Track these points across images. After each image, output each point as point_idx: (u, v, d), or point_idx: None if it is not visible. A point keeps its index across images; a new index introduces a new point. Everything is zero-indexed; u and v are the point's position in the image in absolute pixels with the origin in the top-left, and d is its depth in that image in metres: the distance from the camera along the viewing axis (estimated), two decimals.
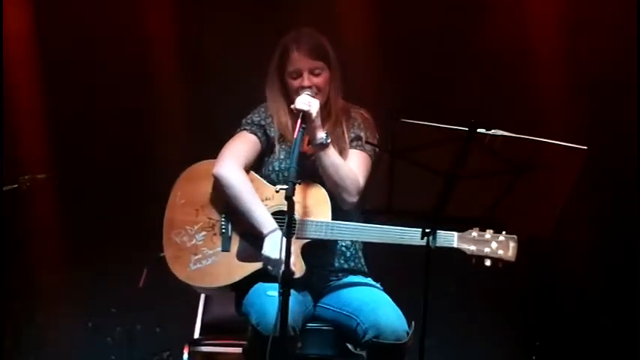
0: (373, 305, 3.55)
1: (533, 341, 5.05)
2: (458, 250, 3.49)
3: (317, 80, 3.72)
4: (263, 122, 3.81)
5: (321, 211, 3.62)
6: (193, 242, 3.71)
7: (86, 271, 5.07)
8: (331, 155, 3.64)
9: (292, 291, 3.32)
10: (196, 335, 4.04)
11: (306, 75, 3.71)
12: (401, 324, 3.48)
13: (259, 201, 3.69)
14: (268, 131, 3.80)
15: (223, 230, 3.71)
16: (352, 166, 3.69)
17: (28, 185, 4.63)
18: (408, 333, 3.47)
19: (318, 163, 3.65)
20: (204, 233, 3.72)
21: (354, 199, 3.63)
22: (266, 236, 3.62)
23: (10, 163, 4.94)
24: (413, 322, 3.52)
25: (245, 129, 3.82)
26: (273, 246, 3.57)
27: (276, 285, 3.31)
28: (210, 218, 3.73)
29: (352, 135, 3.78)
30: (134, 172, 5.05)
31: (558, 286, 4.99)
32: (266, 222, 3.64)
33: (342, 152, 3.74)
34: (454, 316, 4.92)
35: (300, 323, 3.53)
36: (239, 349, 3.78)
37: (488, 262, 3.47)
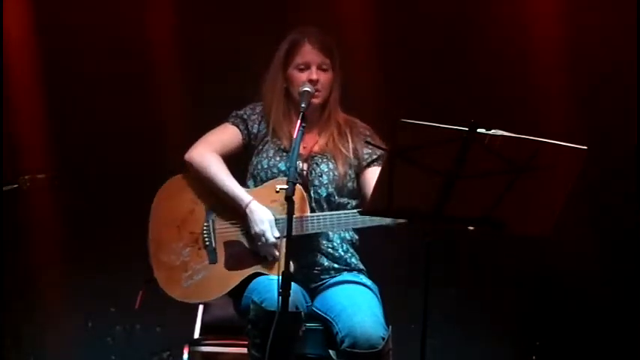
0: (351, 311, 3.53)
1: (533, 341, 5.05)
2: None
3: (323, 76, 3.73)
4: (246, 117, 3.84)
5: (299, 207, 3.62)
6: (181, 259, 3.72)
7: (86, 271, 5.06)
8: None
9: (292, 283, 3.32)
10: (196, 335, 4.03)
11: (314, 69, 3.73)
12: (376, 330, 3.46)
13: (232, 178, 3.71)
14: (250, 126, 3.81)
15: (207, 242, 3.71)
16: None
17: (28, 185, 4.62)
18: (383, 339, 3.46)
19: None
20: (189, 249, 3.72)
21: None
22: (246, 209, 3.63)
23: (10, 163, 4.94)
24: (390, 327, 3.52)
25: (227, 121, 3.85)
26: (256, 219, 3.60)
27: (275, 278, 3.31)
28: (192, 232, 3.73)
29: (368, 153, 3.79)
30: (135, 171, 5.05)
31: (558, 286, 4.99)
32: (241, 196, 3.68)
33: (345, 163, 3.75)
34: (454, 316, 4.92)
35: (303, 304, 3.53)
36: (239, 349, 3.79)
37: (471, 227, 3.47)
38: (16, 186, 4.61)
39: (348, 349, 3.46)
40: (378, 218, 3.54)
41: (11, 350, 5.11)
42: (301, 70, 3.74)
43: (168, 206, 3.77)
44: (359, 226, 3.65)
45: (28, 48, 5.09)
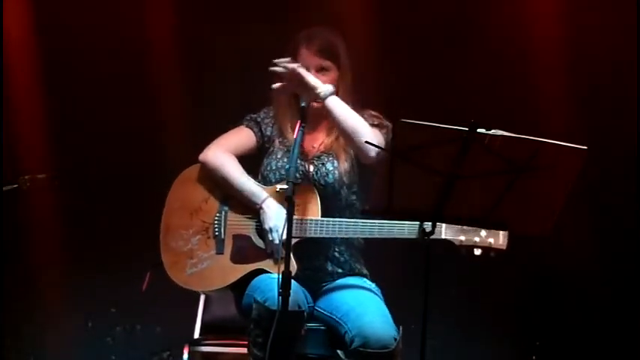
0: (360, 311, 3.54)
1: (533, 341, 5.05)
2: (446, 241, 3.49)
3: (323, 79, 3.73)
4: (259, 119, 3.88)
5: (311, 210, 3.63)
6: (189, 246, 3.74)
7: (86, 271, 5.07)
8: (337, 104, 3.64)
9: (293, 281, 3.32)
10: (196, 335, 4.04)
11: (312, 72, 3.73)
12: (387, 331, 3.47)
13: (246, 176, 3.74)
14: (264, 129, 3.84)
15: (216, 233, 3.73)
16: None
17: (28, 185, 4.62)
18: (395, 339, 3.46)
19: (329, 116, 3.65)
20: (198, 237, 3.74)
21: (371, 140, 3.54)
22: (262, 204, 3.66)
23: (10, 163, 4.94)
24: (401, 327, 3.52)
25: (242, 124, 3.88)
26: (272, 215, 3.64)
27: (276, 277, 3.31)
28: (203, 221, 3.75)
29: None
30: (135, 171, 5.05)
31: (558, 286, 4.99)
32: (258, 192, 3.70)
33: (347, 159, 3.75)
34: (454, 316, 4.92)
35: (305, 304, 3.53)
36: (239, 349, 3.80)
37: (478, 252, 3.47)
38: (16, 186, 4.61)
39: (361, 349, 3.45)
40: (387, 230, 3.56)
41: (11, 350, 5.11)
42: None
43: (184, 192, 3.81)
44: (367, 236, 3.66)
45: (28, 48, 5.10)
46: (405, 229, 3.53)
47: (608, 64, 4.86)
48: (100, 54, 5.08)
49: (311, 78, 3.64)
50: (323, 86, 3.63)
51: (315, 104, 3.69)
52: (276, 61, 3.65)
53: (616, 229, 4.91)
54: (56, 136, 5.12)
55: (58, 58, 5.10)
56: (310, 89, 3.62)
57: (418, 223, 3.38)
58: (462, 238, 3.48)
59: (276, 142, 3.83)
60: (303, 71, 3.64)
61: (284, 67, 3.64)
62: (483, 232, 3.46)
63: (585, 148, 3.01)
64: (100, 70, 5.08)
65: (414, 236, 3.47)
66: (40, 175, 4.72)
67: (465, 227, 3.46)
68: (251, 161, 3.86)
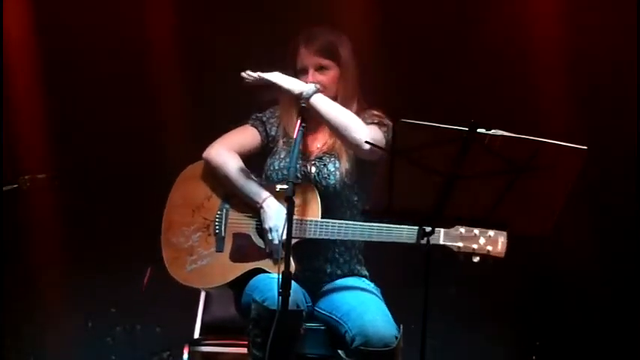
0: (361, 310, 3.53)
1: (533, 341, 5.05)
2: (444, 247, 3.48)
3: (321, 77, 3.74)
4: (265, 119, 3.89)
5: (311, 210, 3.64)
6: (189, 243, 3.75)
7: (86, 271, 5.07)
8: (322, 102, 3.63)
9: (293, 282, 3.32)
10: (196, 335, 4.04)
11: (311, 72, 3.74)
12: (388, 329, 3.47)
13: (248, 174, 3.74)
14: (269, 129, 3.85)
15: (217, 230, 3.73)
16: None
17: (28, 185, 4.63)
18: (396, 337, 3.46)
19: (316, 115, 3.64)
20: (199, 234, 3.75)
21: (362, 135, 3.58)
22: (263, 203, 3.66)
23: (10, 163, 4.94)
24: (401, 326, 3.52)
25: (247, 123, 3.89)
26: (272, 215, 3.64)
27: (275, 276, 3.31)
28: (205, 219, 3.76)
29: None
30: (135, 171, 5.05)
31: (558, 286, 4.99)
32: (259, 192, 3.70)
33: (348, 159, 3.75)
34: (454, 315, 4.92)
35: (304, 303, 3.53)
36: (239, 349, 3.80)
37: (476, 259, 3.47)
38: (16, 186, 4.61)
39: (362, 348, 3.45)
40: (386, 233, 3.55)
41: (11, 350, 5.11)
42: (302, 74, 3.75)
43: (187, 189, 3.82)
44: (366, 239, 3.65)
45: (28, 48, 5.10)
46: (404, 232, 3.52)
47: (608, 64, 4.86)
48: (100, 54, 5.08)
49: (285, 82, 3.63)
50: (304, 86, 3.62)
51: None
52: (241, 74, 3.64)
53: (616, 229, 4.91)
54: (56, 136, 5.12)
55: (58, 58, 5.10)
56: (286, 92, 3.62)
57: (417, 227, 3.37)
58: (460, 244, 3.47)
59: (280, 142, 3.84)
60: (273, 77, 3.62)
61: (248, 76, 3.63)
62: (482, 240, 3.45)
63: (585, 148, 3.01)
64: (100, 70, 5.08)
65: (412, 241, 3.46)
66: (40, 175, 4.72)
67: (463, 234, 3.46)
68: (255, 161, 3.86)
